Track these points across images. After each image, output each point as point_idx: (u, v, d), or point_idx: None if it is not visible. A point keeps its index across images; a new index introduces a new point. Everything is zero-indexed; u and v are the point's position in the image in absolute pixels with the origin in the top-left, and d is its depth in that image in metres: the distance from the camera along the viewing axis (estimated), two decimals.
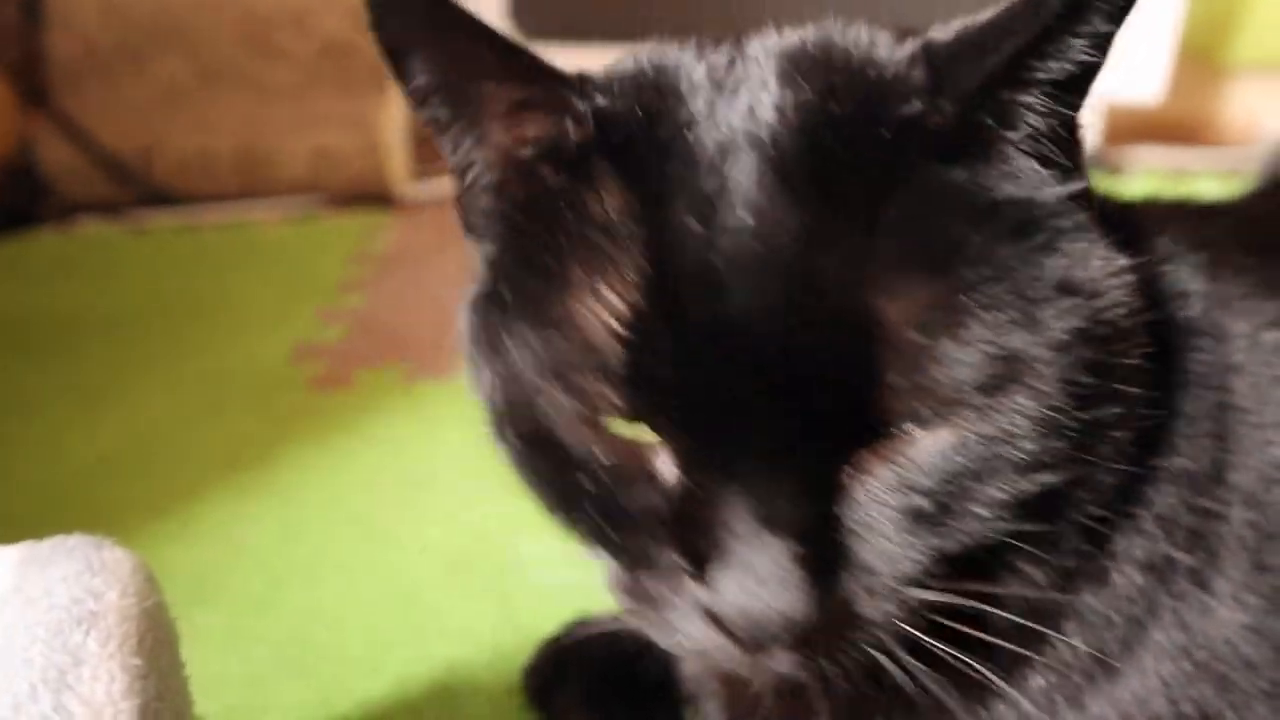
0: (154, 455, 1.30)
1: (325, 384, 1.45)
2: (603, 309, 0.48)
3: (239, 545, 1.11)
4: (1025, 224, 0.49)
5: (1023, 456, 0.48)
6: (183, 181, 2.07)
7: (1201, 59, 2.24)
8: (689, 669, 0.75)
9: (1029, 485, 0.49)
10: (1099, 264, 0.51)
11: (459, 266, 0.61)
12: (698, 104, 0.51)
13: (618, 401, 0.48)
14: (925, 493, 0.48)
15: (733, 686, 0.67)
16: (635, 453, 0.50)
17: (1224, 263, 0.63)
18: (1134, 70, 2.18)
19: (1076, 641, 0.57)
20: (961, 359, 0.46)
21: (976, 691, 0.56)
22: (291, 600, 1.02)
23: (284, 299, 1.72)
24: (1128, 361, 0.52)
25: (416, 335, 1.55)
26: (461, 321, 0.59)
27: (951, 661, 0.52)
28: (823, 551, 0.47)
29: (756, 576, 0.46)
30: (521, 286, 0.53)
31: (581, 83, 0.53)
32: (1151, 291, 0.56)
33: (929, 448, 0.48)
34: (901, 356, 0.45)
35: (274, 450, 1.28)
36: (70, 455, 1.30)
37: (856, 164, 0.47)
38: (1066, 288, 0.49)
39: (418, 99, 0.54)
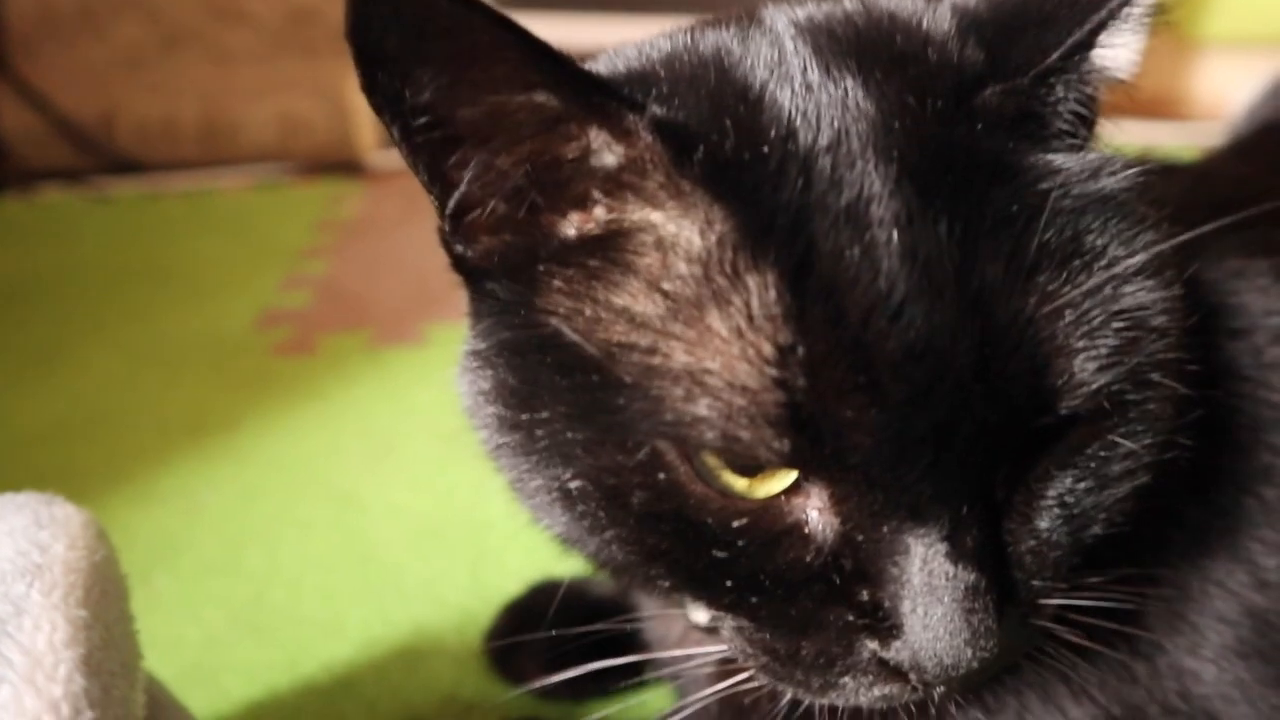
0: (115, 420, 1.28)
1: (289, 350, 1.43)
2: (748, 349, 0.42)
3: (199, 509, 1.10)
4: (1119, 207, 0.48)
5: (1153, 439, 0.48)
6: (145, 148, 2.03)
7: (1172, 35, 2.25)
8: (653, 632, 0.74)
9: (1155, 465, 0.48)
10: (1152, 234, 0.49)
11: (427, 235, 0.54)
12: (784, 108, 0.46)
13: (779, 448, 0.42)
14: (1074, 495, 0.47)
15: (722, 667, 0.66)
16: (775, 510, 0.45)
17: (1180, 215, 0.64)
18: (1108, 44, 2.18)
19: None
20: (1102, 356, 0.44)
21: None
22: (252, 563, 1.01)
23: (248, 266, 1.70)
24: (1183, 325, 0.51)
25: (383, 302, 1.53)
26: (470, 379, 0.52)
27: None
28: (999, 577, 0.45)
29: (951, 619, 0.43)
30: (597, 338, 0.45)
31: (626, 89, 0.45)
32: None
33: (1077, 450, 0.47)
34: (1061, 363, 0.44)
35: (236, 415, 1.26)
36: (31, 420, 1.28)
37: (972, 161, 0.45)
38: (1159, 263, 0.48)
39: (407, 117, 0.45)
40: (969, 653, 0.43)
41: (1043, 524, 0.47)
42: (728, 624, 0.50)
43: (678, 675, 0.71)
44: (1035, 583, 0.47)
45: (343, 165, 2.04)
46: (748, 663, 0.50)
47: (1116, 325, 0.45)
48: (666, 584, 0.49)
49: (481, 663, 0.86)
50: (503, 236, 0.49)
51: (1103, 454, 0.47)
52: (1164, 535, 0.57)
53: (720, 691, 0.54)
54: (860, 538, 0.44)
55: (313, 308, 1.55)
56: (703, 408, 0.43)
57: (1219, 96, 2.27)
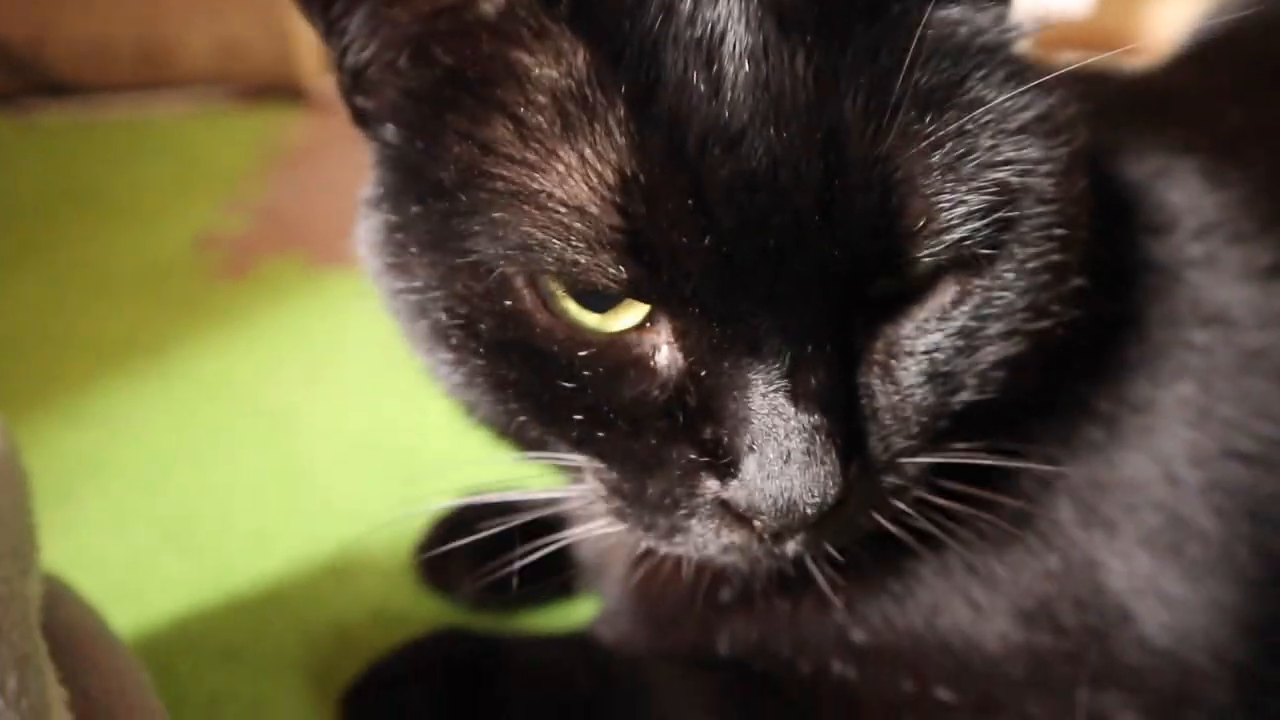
0: (44, 341, 1.25)
1: (226, 272, 1.40)
2: (591, 175, 0.43)
3: (130, 428, 1.08)
4: (1008, 63, 0.47)
5: (1029, 301, 0.47)
6: (78, 71, 1.97)
7: None
8: (581, 540, 0.74)
9: (1031, 333, 0.48)
10: (1059, 99, 0.49)
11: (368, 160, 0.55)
12: None
13: (616, 274, 0.43)
14: (941, 352, 0.47)
15: (637, 563, 0.66)
16: (622, 343, 0.46)
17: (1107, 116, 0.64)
18: None
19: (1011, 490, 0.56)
20: (971, 204, 0.44)
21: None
22: (181, 481, 0.99)
23: (185, 191, 1.65)
24: (1084, 193, 0.51)
25: (323, 224, 1.49)
26: (364, 226, 0.53)
27: (945, 518, 0.51)
28: (847, 423, 0.45)
29: (787, 459, 0.43)
30: (458, 169, 0.46)
31: None
32: None
33: (944, 305, 0.46)
34: (919, 205, 0.43)
35: (170, 336, 1.23)
36: None
37: (850, 3, 0.44)
38: (1047, 126, 0.47)
39: None
40: (806, 495, 0.43)
41: (904, 379, 0.47)
42: (585, 465, 0.50)
43: (601, 578, 0.71)
44: (894, 440, 0.47)
45: (284, 90, 1.98)
46: (603, 507, 0.50)
47: (992, 176, 0.44)
48: (523, 419, 0.49)
49: (411, 577, 0.85)
50: (395, 83, 0.49)
51: (971, 312, 0.46)
52: (1076, 427, 0.57)
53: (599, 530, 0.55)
54: (703, 373, 0.45)
55: (250, 231, 1.51)
56: (544, 231, 0.43)
57: (1173, 33, 2.28)
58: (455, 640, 0.73)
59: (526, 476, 0.90)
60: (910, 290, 0.46)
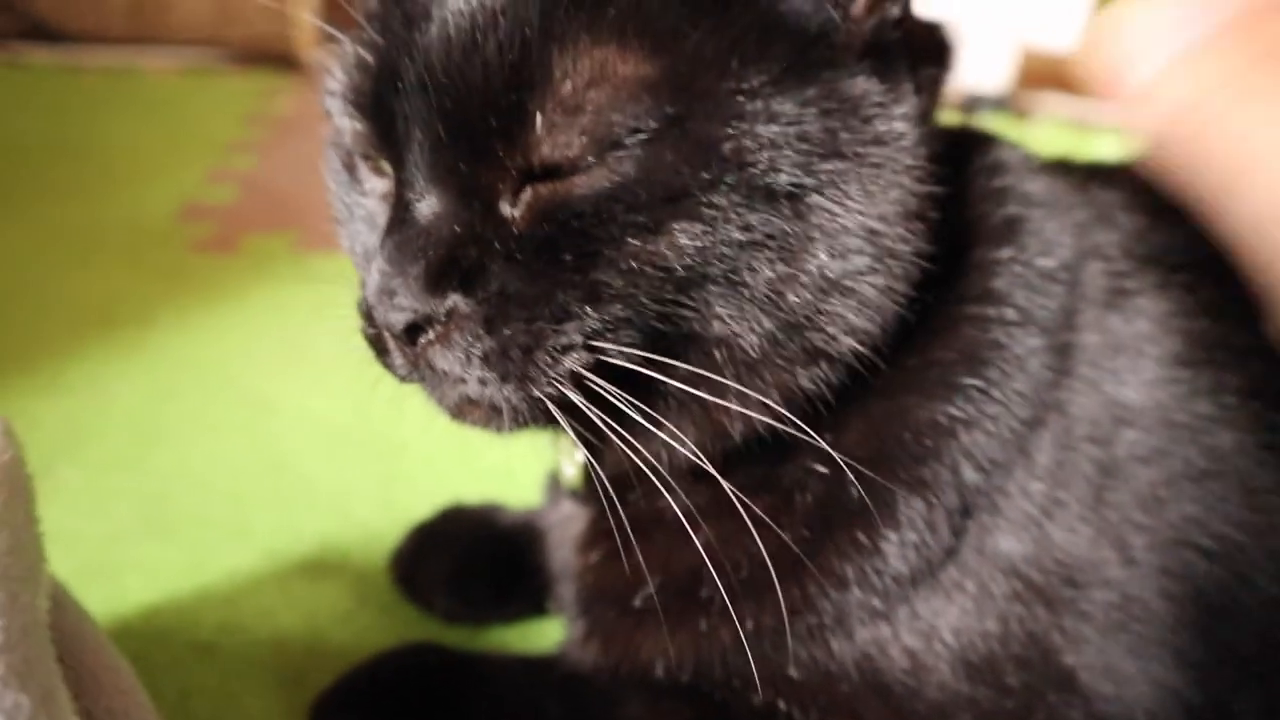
0: (21, 306, 1.24)
1: (211, 246, 1.39)
2: (362, 49, 0.54)
3: (108, 402, 1.08)
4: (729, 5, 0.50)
5: (679, 208, 0.50)
6: (69, 18, 1.93)
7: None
8: (553, 554, 0.76)
9: (686, 244, 0.50)
10: (864, 84, 0.52)
11: None
12: None
13: (361, 129, 0.54)
14: (577, 232, 0.50)
15: (580, 559, 0.69)
16: (388, 191, 0.56)
17: (1101, 215, 0.65)
18: (1052, 17, 2.22)
19: (893, 540, 0.58)
20: (617, 114, 0.49)
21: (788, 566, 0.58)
22: (159, 461, 1.00)
23: (172, 154, 1.64)
24: (894, 194, 0.53)
25: (311, 203, 1.48)
26: None
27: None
28: (453, 256, 0.51)
29: (387, 259, 0.50)
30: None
31: None
32: (970, 185, 0.62)
33: (583, 187, 0.50)
34: (559, 100, 0.49)
35: (152, 309, 1.24)
36: None
37: None
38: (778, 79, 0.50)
39: None
40: (387, 293, 0.50)
41: (538, 246, 0.51)
42: None
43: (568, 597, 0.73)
44: (519, 305, 0.51)
45: (278, 58, 1.97)
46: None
47: (643, 103, 0.49)
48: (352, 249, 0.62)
49: (385, 582, 0.87)
50: None
51: (608, 201, 0.50)
52: (1007, 498, 0.59)
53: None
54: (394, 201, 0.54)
55: (238, 204, 1.51)
56: (341, 106, 0.56)
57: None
58: (428, 657, 0.74)
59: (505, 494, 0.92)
60: (563, 170, 0.51)
